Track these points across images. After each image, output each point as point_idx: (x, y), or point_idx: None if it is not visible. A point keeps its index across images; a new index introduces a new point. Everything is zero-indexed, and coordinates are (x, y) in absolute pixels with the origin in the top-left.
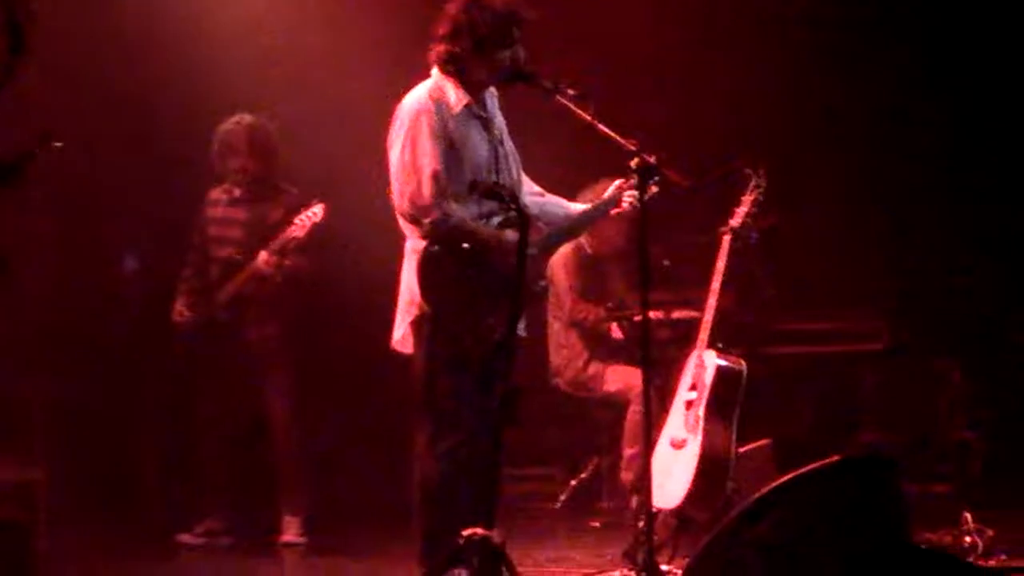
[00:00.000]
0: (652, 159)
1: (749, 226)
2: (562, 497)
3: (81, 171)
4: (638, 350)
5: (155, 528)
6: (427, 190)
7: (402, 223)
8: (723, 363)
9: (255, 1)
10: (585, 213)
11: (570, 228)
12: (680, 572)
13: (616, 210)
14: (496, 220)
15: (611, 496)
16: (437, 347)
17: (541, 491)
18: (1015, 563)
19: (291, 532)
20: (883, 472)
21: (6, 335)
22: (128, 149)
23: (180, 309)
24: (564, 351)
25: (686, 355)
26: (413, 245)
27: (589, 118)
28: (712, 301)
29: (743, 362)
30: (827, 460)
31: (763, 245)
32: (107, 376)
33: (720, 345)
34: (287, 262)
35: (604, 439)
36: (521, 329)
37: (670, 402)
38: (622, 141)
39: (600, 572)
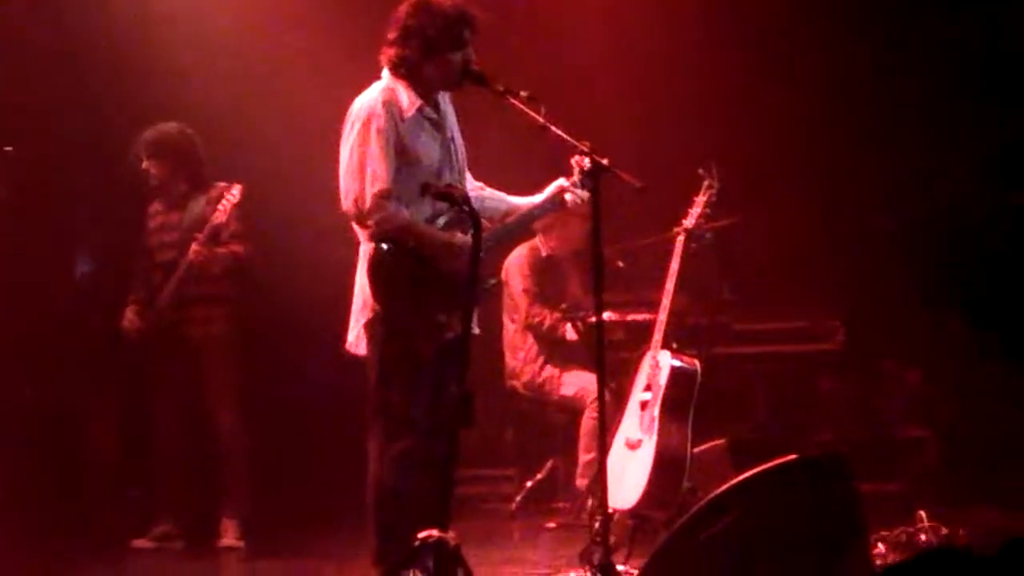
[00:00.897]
0: (604, 160)
1: (703, 227)
2: (518, 498)
3: (32, 175)
4: (593, 351)
5: (109, 533)
6: (369, 192)
7: (355, 225)
8: (678, 364)
9: (205, 6)
10: (528, 211)
11: (515, 225)
12: (636, 572)
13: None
14: (442, 220)
15: (567, 497)
16: (390, 348)
17: (497, 492)
18: None
19: (229, 535)
20: (838, 471)
21: None
22: (78, 153)
23: (130, 317)
24: (520, 353)
25: (641, 356)
26: (365, 247)
27: (541, 120)
28: (666, 302)
29: (697, 362)
30: (782, 459)
31: (718, 246)
32: (59, 380)
33: (675, 346)
34: (221, 250)
35: (560, 441)
36: (474, 327)
37: (625, 403)
38: (574, 142)
39: (556, 573)
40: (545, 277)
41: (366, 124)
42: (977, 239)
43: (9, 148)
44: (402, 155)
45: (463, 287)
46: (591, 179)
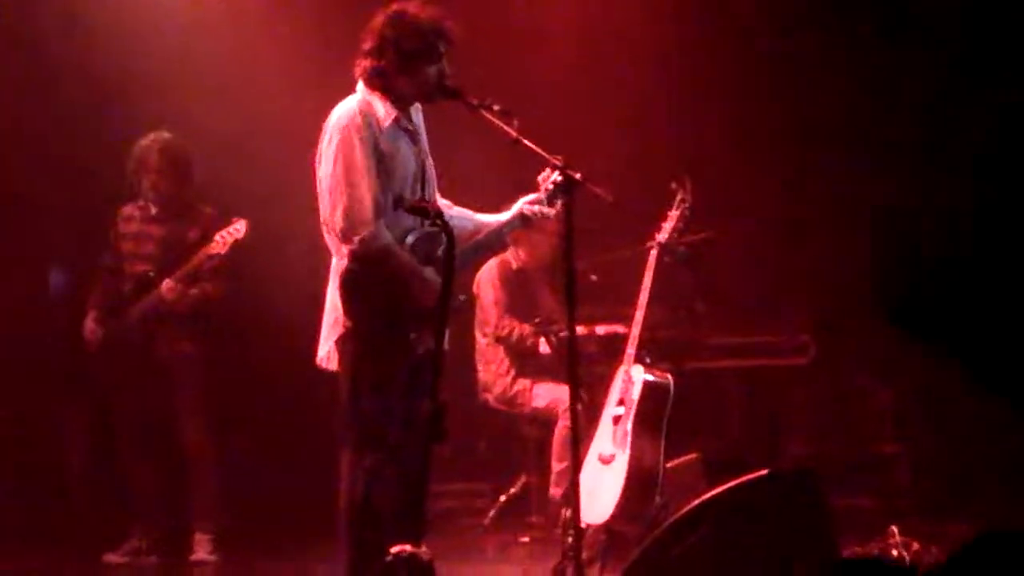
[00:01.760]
0: (577, 175)
1: (676, 240)
2: (491, 513)
3: (3, 187)
4: (566, 365)
5: (80, 548)
6: (364, 205)
7: (328, 239)
8: (650, 378)
9: (181, 16)
10: (495, 229)
11: (483, 244)
12: None
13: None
14: (411, 238)
15: (540, 512)
16: (362, 364)
17: (470, 507)
18: None
19: (201, 550)
20: (810, 485)
21: None
22: (50, 166)
23: (91, 327)
24: (492, 366)
25: (614, 370)
26: (338, 263)
27: (514, 134)
28: (639, 316)
29: (670, 377)
30: (754, 474)
31: (691, 260)
32: (30, 393)
33: (648, 360)
34: (193, 291)
35: (533, 455)
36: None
37: (598, 416)
38: (547, 156)
39: None
40: (516, 289)
41: (346, 136)
42: (952, 254)
43: None
44: (380, 166)
45: (435, 303)
46: (559, 195)
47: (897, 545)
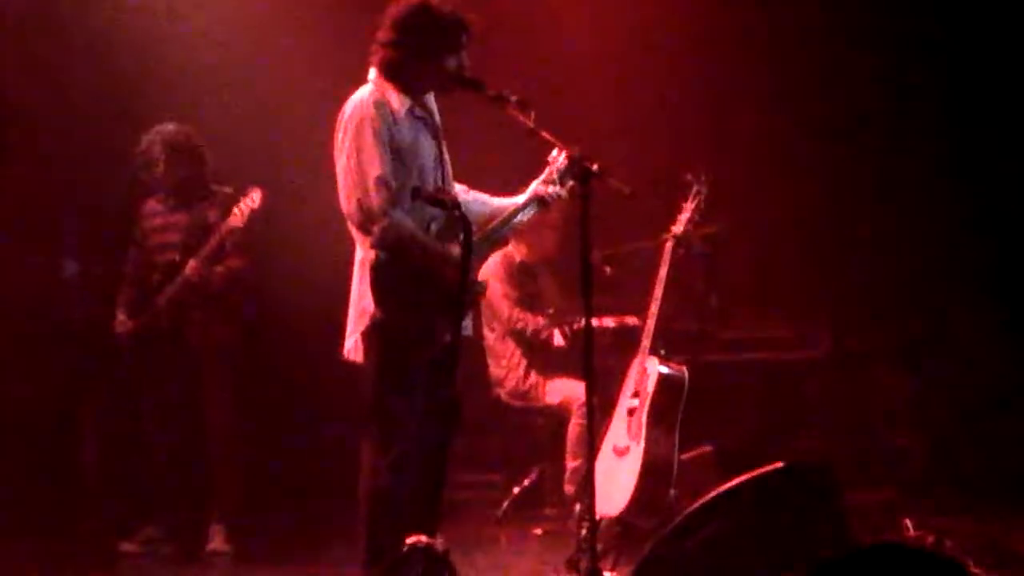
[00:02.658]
0: (594, 166)
1: (691, 233)
2: (505, 504)
3: (18, 176)
4: (580, 358)
5: (96, 536)
6: (376, 196)
7: (353, 231)
8: (665, 370)
9: (194, 7)
10: (512, 212)
11: (500, 227)
12: None
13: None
14: (434, 226)
15: (554, 504)
16: (391, 356)
17: (484, 498)
18: None
19: (217, 540)
20: (824, 478)
21: None
22: (64, 154)
23: (122, 319)
24: (503, 361)
25: (628, 362)
26: (364, 254)
27: (531, 125)
28: (654, 308)
29: (685, 369)
30: (769, 467)
31: (706, 252)
32: (48, 383)
33: (663, 352)
34: (219, 269)
35: (546, 447)
36: (466, 328)
37: (612, 409)
38: (563, 147)
39: None
40: (522, 283)
41: (360, 128)
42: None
43: None
44: (396, 157)
45: (455, 291)
46: (569, 175)
47: (912, 538)
